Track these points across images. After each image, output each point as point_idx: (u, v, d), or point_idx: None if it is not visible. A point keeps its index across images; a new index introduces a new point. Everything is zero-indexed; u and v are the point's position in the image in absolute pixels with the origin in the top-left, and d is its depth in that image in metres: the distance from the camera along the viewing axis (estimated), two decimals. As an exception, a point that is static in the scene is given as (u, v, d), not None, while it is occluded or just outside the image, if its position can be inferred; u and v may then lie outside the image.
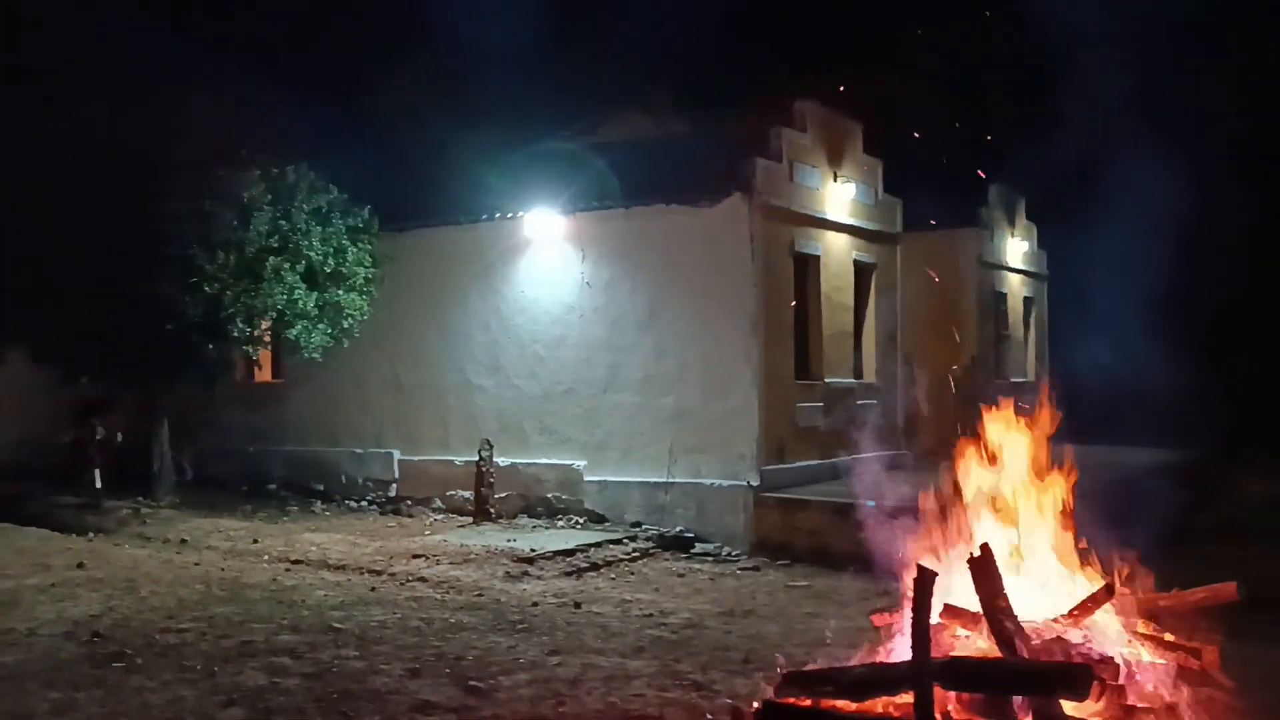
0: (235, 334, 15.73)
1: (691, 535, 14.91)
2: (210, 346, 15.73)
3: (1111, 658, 5.09)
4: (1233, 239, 26.82)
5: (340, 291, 16.28)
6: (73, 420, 16.69)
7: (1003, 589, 5.05)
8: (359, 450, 18.28)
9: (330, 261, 16.14)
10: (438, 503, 17.29)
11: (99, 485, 16.36)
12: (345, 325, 16.47)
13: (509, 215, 16.89)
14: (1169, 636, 5.42)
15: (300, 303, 15.75)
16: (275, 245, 15.66)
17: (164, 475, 17.11)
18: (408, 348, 17.85)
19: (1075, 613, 5.31)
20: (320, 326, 16.18)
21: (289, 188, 15.91)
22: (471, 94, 20.97)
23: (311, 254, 15.91)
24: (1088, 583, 5.59)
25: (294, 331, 16.06)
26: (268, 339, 17.10)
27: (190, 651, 8.78)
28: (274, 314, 15.97)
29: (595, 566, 13.17)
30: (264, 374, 19.56)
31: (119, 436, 16.70)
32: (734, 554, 14.34)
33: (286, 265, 15.66)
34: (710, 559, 14.09)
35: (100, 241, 14.46)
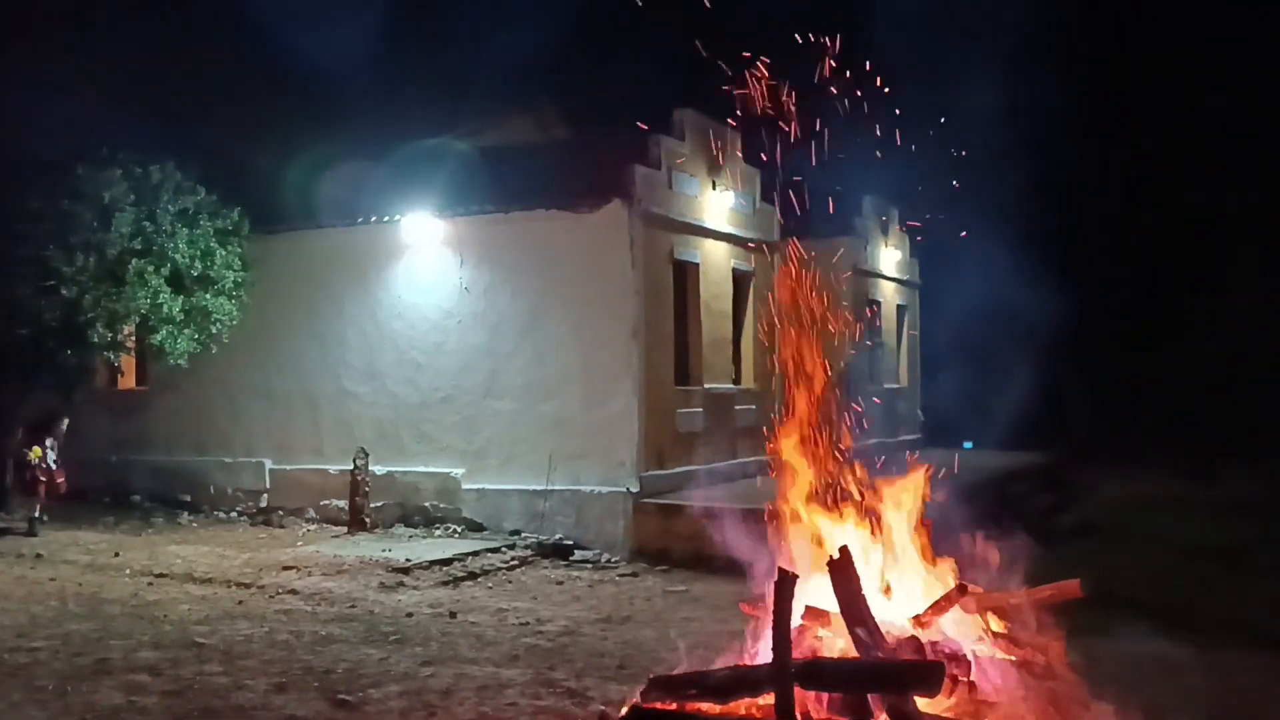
0: (95, 339, 15.10)
1: (571, 542, 14.87)
2: (69, 352, 15.11)
3: (963, 655, 5.28)
4: (1091, 245, 28.16)
5: (208, 296, 15.77)
6: (22, 438, 15.51)
7: (861, 590, 5.19)
8: (228, 459, 17.71)
9: (197, 265, 15.63)
10: (311, 513, 16.87)
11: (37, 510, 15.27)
12: (213, 331, 15.96)
13: (386, 218, 16.62)
14: (1018, 633, 5.64)
15: (165, 307, 15.20)
16: (138, 247, 15.10)
17: (18, 486, 16.29)
18: (280, 354, 17.37)
19: (930, 612, 5.49)
20: (186, 332, 15.65)
21: (154, 188, 15.36)
22: (348, 95, 20.59)
23: (177, 257, 15.38)
24: (942, 583, 5.78)
25: (159, 337, 15.50)
26: (131, 344, 16.44)
27: (42, 671, 8.42)
28: (137, 319, 15.39)
29: (472, 575, 13.04)
30: (128, 381, 18.84)
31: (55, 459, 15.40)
32: (613, 560, 14.38)
33: (150, 268, 15.12)
34: (589, 566, 14.09)
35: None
